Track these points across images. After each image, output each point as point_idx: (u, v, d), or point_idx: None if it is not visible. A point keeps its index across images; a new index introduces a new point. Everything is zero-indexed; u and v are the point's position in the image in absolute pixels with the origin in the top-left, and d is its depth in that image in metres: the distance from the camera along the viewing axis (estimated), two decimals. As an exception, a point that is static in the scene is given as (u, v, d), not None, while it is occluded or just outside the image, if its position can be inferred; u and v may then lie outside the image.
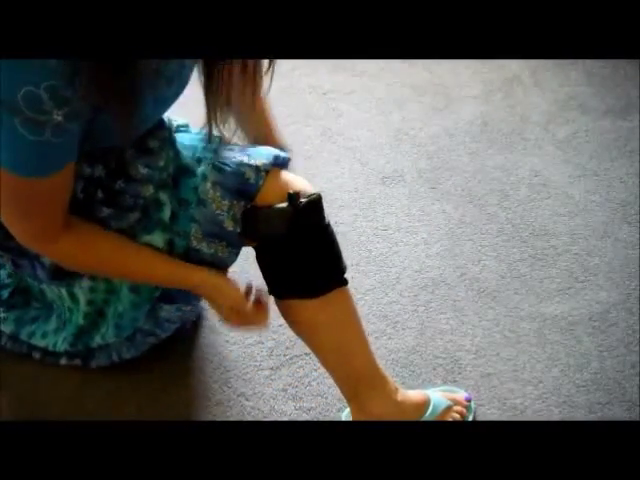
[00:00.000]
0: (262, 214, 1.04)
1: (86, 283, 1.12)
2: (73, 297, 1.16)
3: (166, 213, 1.05)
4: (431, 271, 1.48)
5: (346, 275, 1.10)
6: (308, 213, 1.04)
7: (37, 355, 1.24)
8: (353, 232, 1.54)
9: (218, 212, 1.03)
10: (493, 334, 1.38)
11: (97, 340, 1.18)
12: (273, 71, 0.95)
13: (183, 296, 1.14)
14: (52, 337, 1.21)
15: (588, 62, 2.02)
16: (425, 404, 1.19)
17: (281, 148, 1.14)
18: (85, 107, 0.82)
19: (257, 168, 1.03)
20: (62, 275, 1.09)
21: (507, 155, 1.75)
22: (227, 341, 1.34)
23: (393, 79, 1.96)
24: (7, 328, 1.22)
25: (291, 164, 1.12)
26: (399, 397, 1.16)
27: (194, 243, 1.05)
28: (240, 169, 1.04)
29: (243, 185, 1.03)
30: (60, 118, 0.79)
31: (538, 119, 1.85)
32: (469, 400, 1.25)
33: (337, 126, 1.81)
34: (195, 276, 1.05)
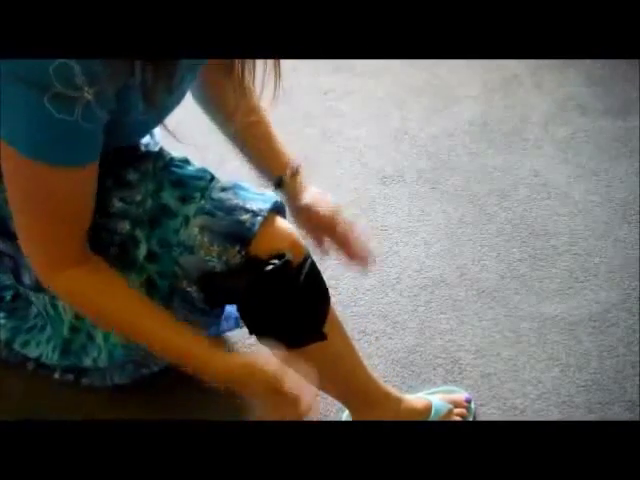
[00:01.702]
0: (219, 278, 0.97)
1: None
2: (56, 308, 1.10)
3: (141, 252, 0.99)
4: (431, 271, 1.48)
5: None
6: (273, 279, 0.97)
7: (30, 366, 1.21)
8: (353, 232, 1.54)
9: (207, 258, 0.96)
10: (493, 334, 1.38)
11: (87, 362, 1.14)
12: (278, 76, 0.91)
13: None
14: (44, 346, 1.19)
15: (588, 62, 2.02)
16: (428, 411, 1.18)
17: (286, 161, 1.12)
18: (112, 88, 0.80)
19: (254, 212, 0.97)
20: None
21: (507, 155, 1.75)
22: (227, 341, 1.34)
23: (393, 79, 1.96)
24: (3, 335, 1.21)
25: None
26: (402, 409, 1.16)
27: (183, 284, 0.99)
28: (234, 212, 0.97)
29: (238, 229, 0.96)
30: (90, 97, 0.76)
31: (538, 119, 1.85)
32: (469, 401, 1.24)
33: (337, 126, 1.81)
34: (218, 360, 0.93)
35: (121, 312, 0.93)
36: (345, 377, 1.12)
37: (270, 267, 0.96)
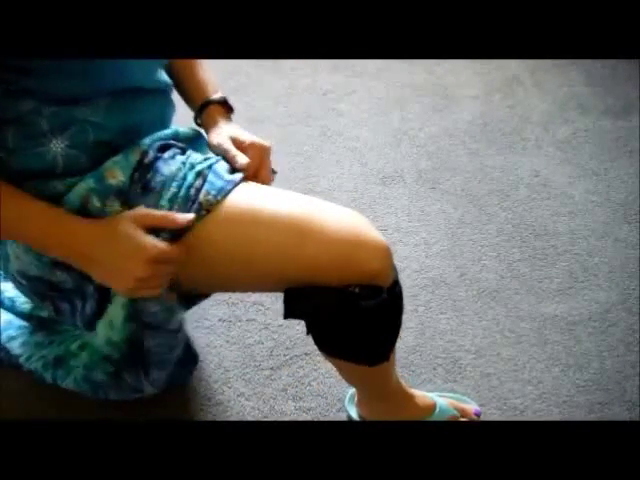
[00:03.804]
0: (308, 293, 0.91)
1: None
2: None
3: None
4: (431, 271, 1.48)
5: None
6: (365, 314, 0.91)
7: (26, 370, 1.21)
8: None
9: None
10: (493, 334, 1.38)
11: (63, 385, 1.14)
12: None
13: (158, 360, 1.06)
14: (30, 347, 1.19)
15: (588, 62, 2.02)
16: (430, 410, 1.17)
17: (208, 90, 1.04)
18: None
19: (200, 204, 0.92)
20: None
21: (507, 155, 1.75)
22: (227, 341, 1.34)
23: (393, 79, 1.96)
24: (10, 344, 1.21)
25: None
26: (410, 405, 1.15)
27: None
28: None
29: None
30: None
31: (538, 119, 1.85)
32: (478, 414, 1.22)
33: (337, 126, 1.81)
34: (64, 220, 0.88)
35: None
36: (378, 376, 1.10)
37: (368, 303, 0.90)
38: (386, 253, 0.92)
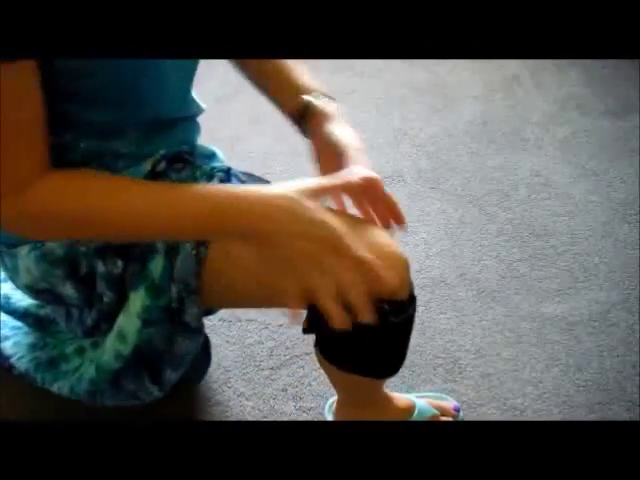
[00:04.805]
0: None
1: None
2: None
3: None
4: (431, 271, 1.48)
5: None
6: (387, 331, 0.87)
7: (17, 372, 1.19)
8: (353, 232, 1.54)
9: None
10: (493, 334, 1.38)
11: (54, 388, 1.13)
12: None
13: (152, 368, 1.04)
14: (22, 348, 1.19)
15: (588, 62, 2.03)
16: (409, 411, 1.17)
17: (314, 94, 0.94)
18: None
19: None
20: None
21: (507, 155, 1.75)
22: (227, 341, 1.34)
23: (393, 79, 1.96)
24: (3, 344, 1.20)
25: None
26: (389, 408, 1.15)
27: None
28: None
29: None
30: None
31: (538, 119, 1.85)
32: (457, 410, 1.23)
33: (337, 126, 1.81)
34: (242, 199, 0.75)
35: (111, 196, 0.78)
36: (375, 384, 1.09)
37: (396, 319, 0.85)
38: (405, 267, 0.86)
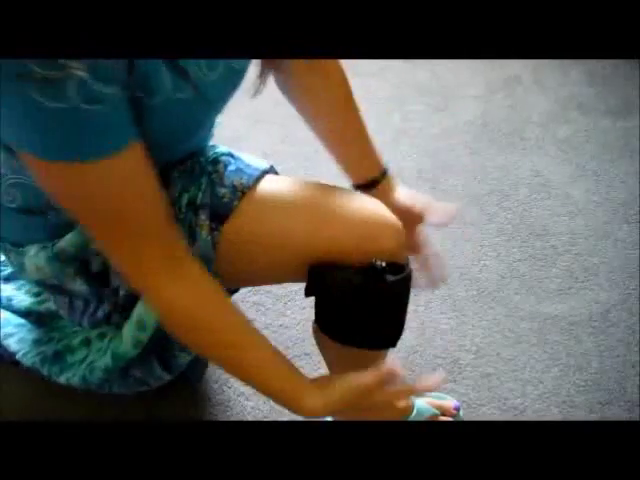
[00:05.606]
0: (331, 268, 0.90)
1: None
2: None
3: None
4: (431, 271, 1.48)
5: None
6: (388, 291, 0.92)
7: (23, 366, 1.19)
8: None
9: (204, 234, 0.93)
10: (493, 334, 1.38)
11: (62, 380, 1.13)
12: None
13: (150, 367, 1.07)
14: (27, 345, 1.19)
15: (588, 62, 2.03)
16: (408, 411, 1.17)
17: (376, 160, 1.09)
18: (117, 63, 0.68)
19: (234, 187, 0.92)
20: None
21: (507, 155, 1.75)
22: (227, 341, 1.34)
23: (393, 79, 1.96)
24: (7, 341, 1.20)
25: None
26: (387, 406, 1.14)
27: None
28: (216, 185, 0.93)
29: (216, 204, 0.92)
30: (83, 73, 0.64)
31: (538, 119, 1.85)
32: (457, 409, 1.23)
33: (337, 126, 1.81)
34: (306, 405, 0.89)
35: (223, 340, 0.87)
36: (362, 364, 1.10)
37: (394, 277, 0.89)
38: (401, 232, 0.93)
